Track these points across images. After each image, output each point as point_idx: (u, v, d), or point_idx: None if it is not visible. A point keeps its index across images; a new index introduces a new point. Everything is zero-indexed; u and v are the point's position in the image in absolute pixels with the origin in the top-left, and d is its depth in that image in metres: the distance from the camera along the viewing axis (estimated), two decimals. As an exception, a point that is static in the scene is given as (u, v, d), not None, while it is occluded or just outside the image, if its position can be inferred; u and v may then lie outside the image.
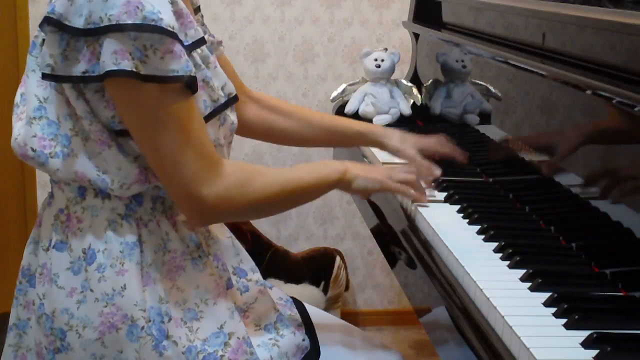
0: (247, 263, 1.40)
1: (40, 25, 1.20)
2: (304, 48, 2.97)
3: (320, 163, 1.45)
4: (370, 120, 2.16)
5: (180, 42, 1.18)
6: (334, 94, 2.28)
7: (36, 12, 2.85)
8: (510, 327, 1.02)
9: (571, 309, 1.06)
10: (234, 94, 1.33)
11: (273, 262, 2.80)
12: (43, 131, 1.25)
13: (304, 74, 2.98)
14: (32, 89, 1.26)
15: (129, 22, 1.13)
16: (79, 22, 1.15)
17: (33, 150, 1.25)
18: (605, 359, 0.95)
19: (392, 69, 2.20)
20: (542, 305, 1.10)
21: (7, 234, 2.97)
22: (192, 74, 1.18)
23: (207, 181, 1.21)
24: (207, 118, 1.26)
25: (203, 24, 1.43)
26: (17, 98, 1.31)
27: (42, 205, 1.35)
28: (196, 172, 1.21)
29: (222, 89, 1.30)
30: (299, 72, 2.98)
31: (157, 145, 1.19)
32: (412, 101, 2.19)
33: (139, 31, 1.13)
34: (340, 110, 2.23)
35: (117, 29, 1.13)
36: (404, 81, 2.23)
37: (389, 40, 2.97)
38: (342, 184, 1.41)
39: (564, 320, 1.05)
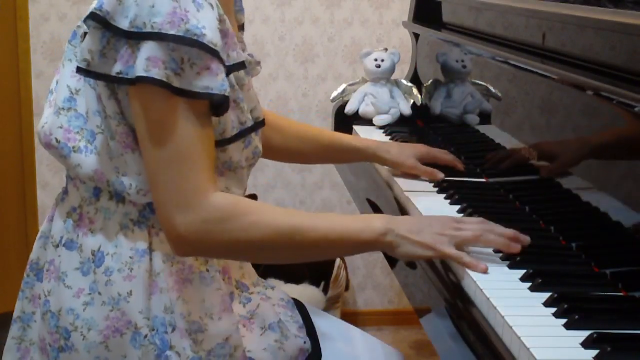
0: (249, 278, 1.40)
1: (85, 20, 1.19)
2: (304, 48, 2.97)
3: (360, 216, 1.29)
4: (370, 121, 2.16)
5: (222, 60, 1.17)
6: (334, 94, 2.28)
7: (36, 12, 2.86)
8: (510, 327, 1.02)
9: (571, 309, 1.06)
10: (261, 119, 1.32)
11: (273, 262, 2.80)
12: (70, 123, 1.25)
13: (304, 74, 2.99)
14: (66, 79, 1.27)
15: (171, 32, 1.12)
16: (123, 23, 1.15)
17: (57, 141, 1.25)
18: (605, 359, 0.95)
19: (392, 69, 2.20)
20: (542, 305, 1.10)
21: (7, 234, 2.98)
22: (225, 94, 1.16)
23: (184, 209, 1.15)
24: (232, 139, 1.25)
25: (241, 41, 1.40)
26: (53, 84, 1.31)
27: (56, 199, 1.34)
28: (175, 196, 1.16)
29: (251, 112, 1.29)
30: (299, 72, 2.98)
31: (152, 156, 1.17)
32: (412, 101, 2.19)
33: (179, 43, 1.13)
34: (340, 110, 2.23)
35: (157, 37, 1.13)
36: (404, 81, 2.23)
37: (389, 40, 2.97)
38: (381, 245, 1.22)
39: (564, 320, 1.04)
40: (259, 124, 1.32)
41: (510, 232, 1.24)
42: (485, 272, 1.19)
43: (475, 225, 1.24)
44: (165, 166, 1.16)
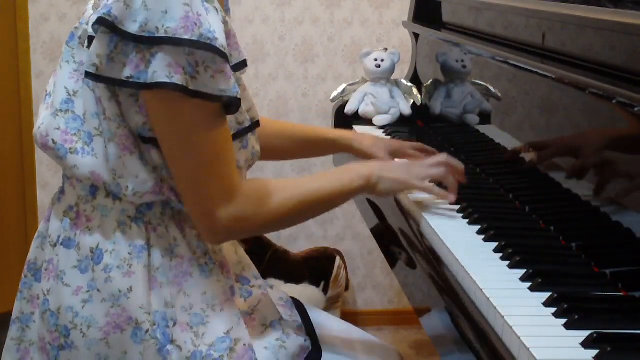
0: (250, 271, 1.40)
1: (93, 25, 1.19)
2: (304, 48, 2.97)
3: (344, 168, 1.43)
4: (370, 121, 2.16)
5: (229, 63, 1.19)
6: (334, 94, 2.28)
7: (36, 12, 2.86)
8: (510, 327, 1.02)
9: (571, 309, 1.06)
10: (256, 119, 1.34)
11: (273, 262, 2.81)
12: (67, 125, 1.25)
13: (304, 74, 2.99)
14: (63, 81, 1.27)
15: (186, 37, 1.13)
16: (132, 28, 1.15)
17: (54, 142, 1.25)
18: (605, 359, 0.95)
19: (392, 69, 2.20)
20: (542, 305, 1.10)
21: (7, 234, 2.97)
22: (238, 96, 1.19)
23: (224, 204, 1.22)
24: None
25: None
26: (50, 87, 1.32)
27: (52, 199, 1.35)
28: (214, 193, 1.22)
29: (248, 112, 1.31)
30: (299, 72, 2.98)
31: (182, 161, 1.20)
32: (412, 101, 2.19)
33: (194, 47, 1.14)
34: (340, 110, 2.23)
35: (172, 42, 1.14)
36: (404, 81, 2.23)
37: (389, 40, 2.97)
38: (368, 188, 1.40)
39: (564, 320, 1.04)
40: (255, 124, 1.33)
41: (461, 180, 1.49)
42: (453, 201, 1.46)
43: (441, 165, 1.47)
44: (201, 169, 1.20)
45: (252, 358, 1.29)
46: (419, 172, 1.45)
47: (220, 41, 1.16)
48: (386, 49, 2.25)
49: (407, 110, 2.16)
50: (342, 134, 1.75)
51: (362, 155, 1.70)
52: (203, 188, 1.21)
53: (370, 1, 2.96)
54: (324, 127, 1.88)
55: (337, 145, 1.72)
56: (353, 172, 1.40)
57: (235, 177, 1.24)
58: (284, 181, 1.37)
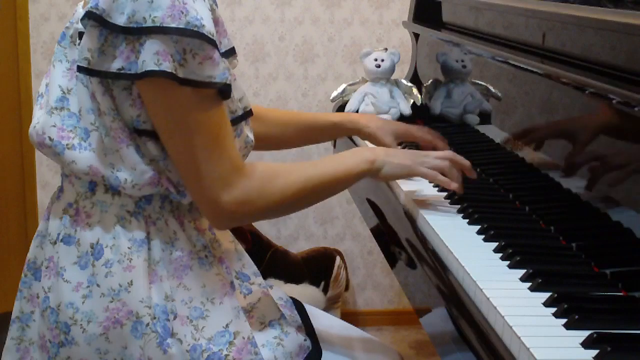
0: (250, 268, 1.41)
1: (82, 19, 1.21)
2: (304, 48, 2.97)
3: (349, 152, 1.43)
4: (370, 120, 2.16)
5: (218, 49, 1.20)
6: (334, 94, 2.28)
7: (36, 12, 2.86)
8: (510, 327, 1.02)
9: (571, 309, 1.06)
10: (249, 109, 1.34)
11: (273, 262, 2.81)
12: (63, 122, 1.26)
13: (304, 74, 2.99)
14: (57, 79, 1.28)
15: (173, 25, 1.15)
16: (120, 20, 1.16)
17: (50, 139, 1.26)
18: (605, 359, 0.95)
19: (392, 69, 2.20)
20: (542, 305, 1.10)
21: (7, 234, 2.98)
22: (227, 82, 1.20)
23: (227, 187, 1.23)
24: None
25: None
26: (42, 88, 1.32)
27: (51, 199, 1.35)
28: (217, 178, 1.22)
29: (240, 101, 1.32)
30: (299, 72, 2.98)
31: (182, 149, 1.21)
32: (412, 101, 2.19)
33: (181, 35, 1.15)
34: (340, 111, 2.23)
35: (160, 31, 1.15)
36: (404, 81, 2.22)
37: (389, 40, 2.97)
38: (372, 172, 1.41)
39: (564, 320, 1.04)
40: (248, 113, 1.34)
41: (469, 174, 1.50)
42: (458, 190, 1.46)
43: (446, 159, 1.46)
44: (201, 154, 1.21)
45: (251, 351, 1.29)
46: (423, 161, 1.45)
47: (208, 28, 1.17)
48: (386, 49, 2.24)
49: (407, 110, 2.16)
50: (347, 116, 1.75)
51: (368, 137, 1.70)
52: (204, 173, 1.22)
53: (370, 1, 2.96)
54: (328, 112, 1.86)
55: (344, 128, 1.72)
56: (358, 155, 1.41)
57: (236, 161, 1.24)
58: (288, 164, 1.38)
